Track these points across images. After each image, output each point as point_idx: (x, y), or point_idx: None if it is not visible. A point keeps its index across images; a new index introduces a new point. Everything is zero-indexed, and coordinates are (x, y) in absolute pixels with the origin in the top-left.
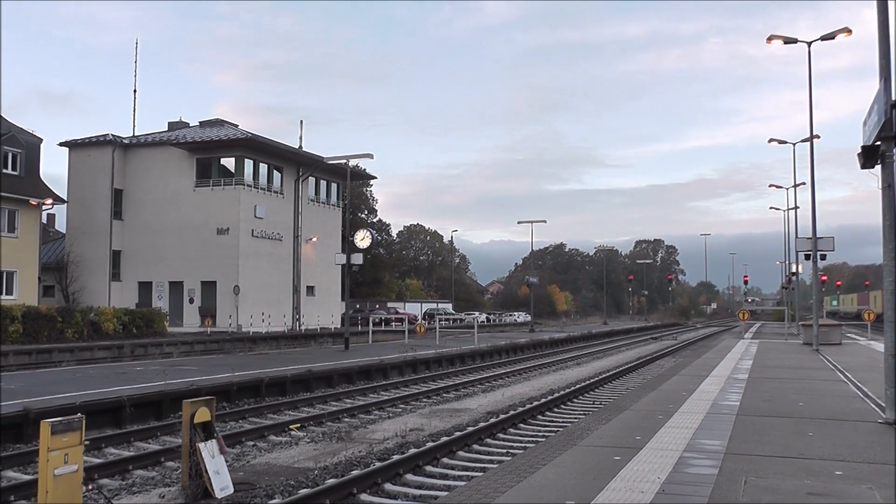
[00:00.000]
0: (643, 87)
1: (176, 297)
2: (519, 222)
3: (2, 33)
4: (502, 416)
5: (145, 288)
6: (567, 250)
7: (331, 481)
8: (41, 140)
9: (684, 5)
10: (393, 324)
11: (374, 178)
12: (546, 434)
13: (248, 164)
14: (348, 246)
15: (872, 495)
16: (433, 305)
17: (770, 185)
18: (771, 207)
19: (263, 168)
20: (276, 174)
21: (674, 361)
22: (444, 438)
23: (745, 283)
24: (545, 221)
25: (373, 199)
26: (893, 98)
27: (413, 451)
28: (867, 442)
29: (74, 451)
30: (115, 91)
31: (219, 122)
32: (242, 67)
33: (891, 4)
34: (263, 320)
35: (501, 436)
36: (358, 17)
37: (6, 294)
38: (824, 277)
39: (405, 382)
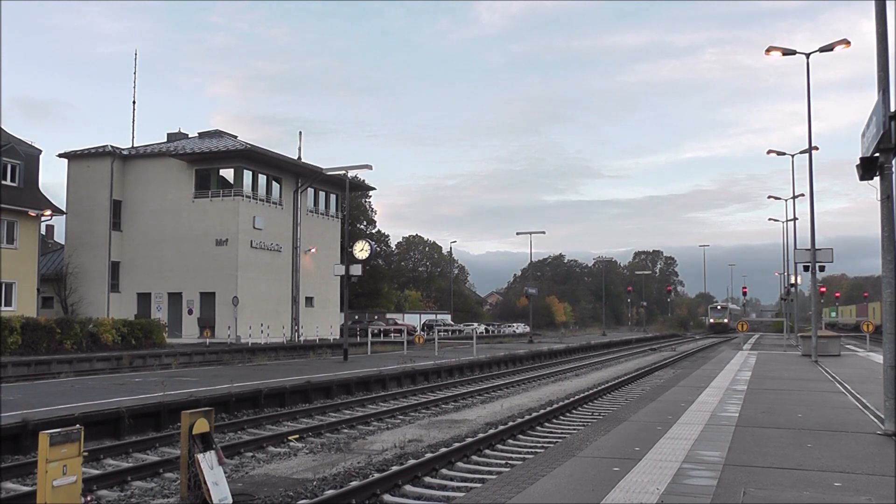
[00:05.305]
0: (640, 98)
1: (175, 308)
2: (518, 233)
3: (2, 46)
4: (501, 428)
5: (144, 299)
6: (566, 261)
7: (329, 492)
8: (40, 151)
9: (681, 16)
10: (392, 335)
11: (373, 188)
12: (545, 445)
13: (247, 175)
14: (347, 257)
15: None
16: (432, 316)
17: (769, 197)
18: (770, 219)
19: (262, 179)
20: (275, 185)
21: (672, 372)
22: (443, 449)
23: (744, 293)
24: (544, 233)
25: (371, 210)
26: (892, 110)
27: (412, 461)
28: (866, 453)
29: (73, 462)
30: (107, 102)
31: (217, 133)
32: (237, 78)
33: (890, 17)
34: (262, 331)
35: (500, 447)
36: (352, 29)
37: (5, 305)
38: (823, 289)
39: (404, 393)
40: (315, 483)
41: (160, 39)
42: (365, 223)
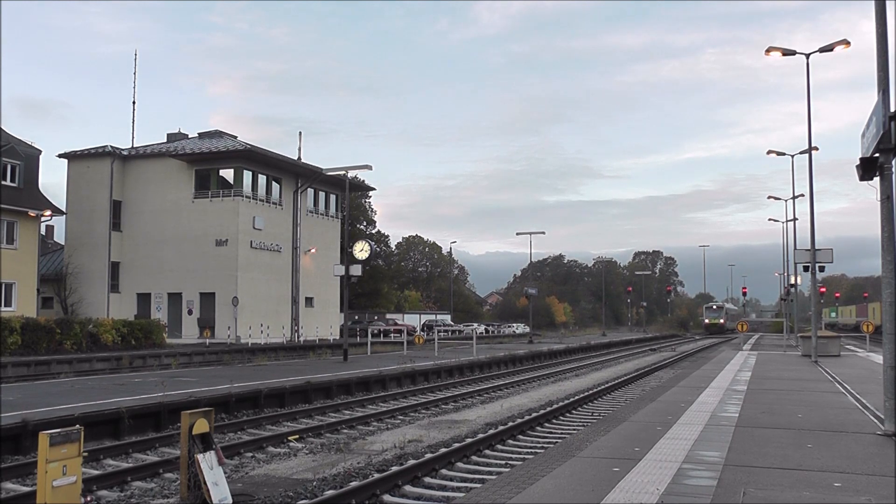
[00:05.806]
0: (640, 98)
1: (175, 308)
2: (518, 233)
3: (2, 46)
4: (501, 428)
5: (144, 299)
6: (566, 262)
7: (329, 493)
8: (40, 152)
9: (681, 16)
10: (392, 335)
11: (372, 189)
12: (545, 445)
13: (247, 176)
14: (347, 257)
15: None
16: (432, 317)
17: (769, 197)
18: (770, 219)
19: (262, 179)
20: (275, 185)
21: (672, 373)
22: (443, 450)
23: (744, 294)
24: (544, 233)
25: (371, 211)
26: (892, 110)
27: (412, 462)
28: (866, 454)
29: (73, 462)
30: (107, 102)
31: (217, 134)
32: (237, 78)
33: (890, 17)
34: (262, 332)
35: (500, 447)
36: (352, 29)
37: (5, 305)
38: (823, 289)
39: (404, 394)
40: (315, 483)
41: (160, 39)
42: (365, 223)
